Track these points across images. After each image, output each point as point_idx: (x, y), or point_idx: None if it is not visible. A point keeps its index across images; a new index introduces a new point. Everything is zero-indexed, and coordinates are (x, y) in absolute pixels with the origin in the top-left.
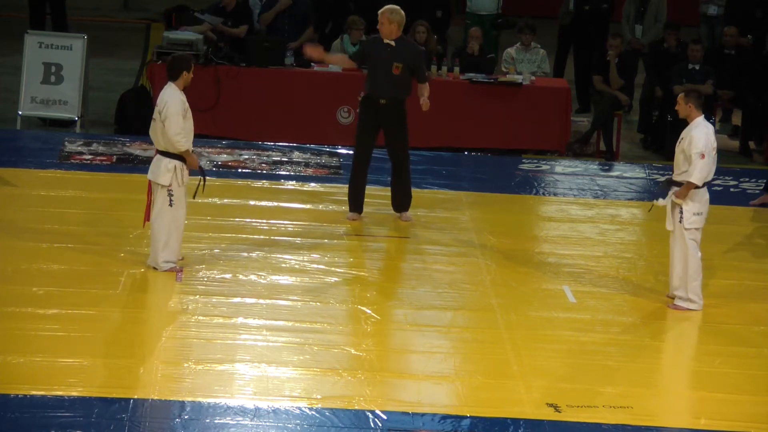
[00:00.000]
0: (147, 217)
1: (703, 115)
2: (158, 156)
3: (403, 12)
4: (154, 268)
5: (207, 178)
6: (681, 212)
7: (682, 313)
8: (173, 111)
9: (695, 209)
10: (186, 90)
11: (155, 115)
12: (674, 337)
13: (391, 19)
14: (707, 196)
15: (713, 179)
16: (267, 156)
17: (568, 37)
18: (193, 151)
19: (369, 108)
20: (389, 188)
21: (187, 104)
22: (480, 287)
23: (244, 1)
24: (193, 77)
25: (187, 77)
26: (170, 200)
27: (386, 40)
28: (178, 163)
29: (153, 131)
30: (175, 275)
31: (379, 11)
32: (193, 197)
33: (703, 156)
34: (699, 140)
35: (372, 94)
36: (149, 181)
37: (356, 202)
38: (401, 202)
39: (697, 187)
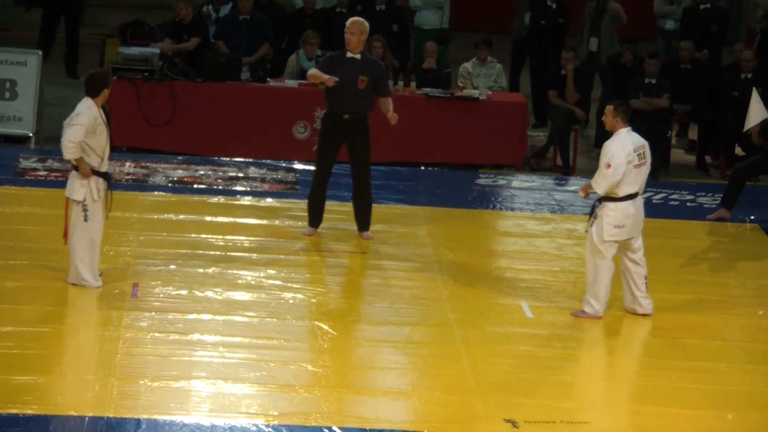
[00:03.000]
0: (66, 234)
1: (628, 128)
2: (74, 171)
3: (368, 24)
4: (74, 285)
5: (161, 193)
6: (595, 217)
7: (639, 327)
8: (80, 121)
9: (617, 221)
10: (142, 105)
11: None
12: (631, 351)
13: (362, 30)
14: (632, 210)
15: (655, 191)
16: (223, 171)
17: (523, 51)
18: (142, 165)
19: (332, 124)
20: (346, 203)
21: (100, 119)
22: (437, 302)
23: (199, 14)
24: (149, 92)
25: (106, 94)
26: (85, 215)
27: (350, 54)
28: (93, 177)
29: None
30: (131, 291)
31: (350, 21)
32: (107, 215)
33: (609, 166)
34: (610, 150)
35: (336, 110)
36: (66, 197)
37: (315, 217)
38: (365, 219)
39: (617, 198)
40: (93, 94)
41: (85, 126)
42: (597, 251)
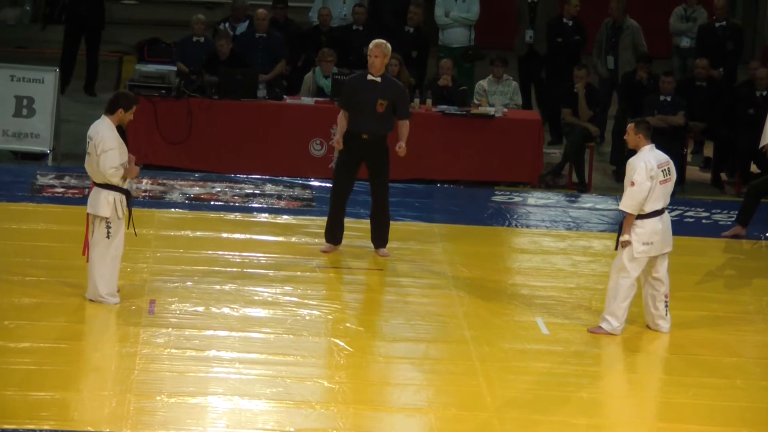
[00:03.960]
0: (85, 250)
1: (651, 144)
2: (96, 188)
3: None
4: (91, 301)
5: (178, 210)
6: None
7: (655, 344)
8: (111, 145)
9: (645, 238)
10: (159, 122)
11: (89, 149)
12: (647, 368)
13: (385, 53)
14: (660, 225)
15: (671, 208)
16: (239, 188)
17: (529, 68)
18: (159, 182)
19: (351, 143)
20: (363, 221)
21: (120, 139)
22: (453, 319)
23: (236, 49)
24: (166, 109)
25: (123, 116)
26: (108, 232)
27: (371, 77)
28: (117, 195)
29: (89, 165)
30: (148, 308)
31: (373, 44)
32: (134, 233)
33: (633, 184)
34: (634, 168)
35: (354, 130)
36: (87, 213)
37: (333, 236)
38: (382, 236)
39: (643, 215)
40: (110, 111)
41: (116, 148)
42: (622, 268)
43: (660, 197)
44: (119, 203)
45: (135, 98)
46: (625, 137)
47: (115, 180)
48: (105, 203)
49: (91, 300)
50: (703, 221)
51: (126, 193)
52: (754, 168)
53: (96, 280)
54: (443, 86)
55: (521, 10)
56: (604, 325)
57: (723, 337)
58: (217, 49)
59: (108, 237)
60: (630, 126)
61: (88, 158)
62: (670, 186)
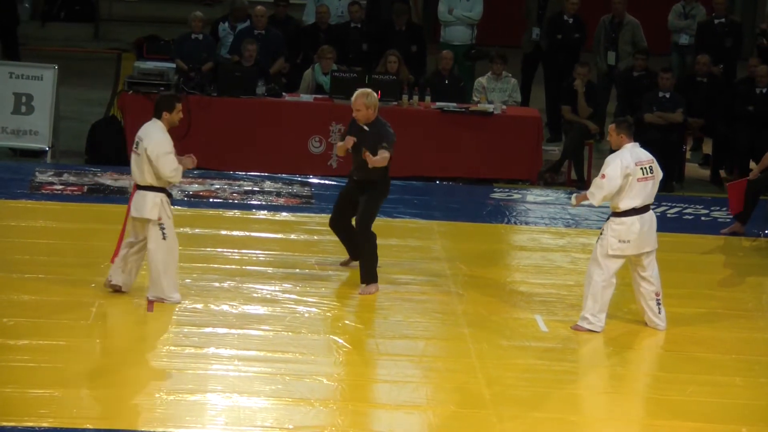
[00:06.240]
0: (116, 253)
1: (634, 143)
2: (141, 191)
3: (375, 94)
4: (162, 300)
5: (177, 207)
6: (603, 231)
7: (653, 341)
8: (166, 149)
9: (621, 236)
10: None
11: (139, 150)
12: (646, 365)
13: (368, 104)
14: (638, 225)
15: (669, 205)
16: (238, 186)
17: (533, 65)
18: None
19: (349, 179)
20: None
21: (171, 141)
22: (452, 316)
23: (260, 60)
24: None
25: (170, 117)
26: (163, 234)
27: (361, 124)
28: (163, 196)
29: (137, 165)
30: (147, 305)
31: (355, 97)
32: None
33: (603, 177)
34: (608, 164)
35: (351, 171)
36: (132, 217)
37: (347, 251)
38: (361, 271)
39: (620, 212)
40: (156, 115)
41: (171, 152)
42: (597, 265)
43: (638, 195)
44: (166, 203)
45: (175, 97)
46: (608, 138)
47: (177, 180)
48: (152, 205)
49: (153, 299)
50: (702, 218)
51: (169, 194)
52: (752, 165)
53: (162, 282)
54: (443, 75)
55: (530, 7)
56: (583, 323)
57: (722, 335)
58: (245, 55)
59: (164, 238)
60: (611, 127)
61: (136, 158)
62: (651, 185)
